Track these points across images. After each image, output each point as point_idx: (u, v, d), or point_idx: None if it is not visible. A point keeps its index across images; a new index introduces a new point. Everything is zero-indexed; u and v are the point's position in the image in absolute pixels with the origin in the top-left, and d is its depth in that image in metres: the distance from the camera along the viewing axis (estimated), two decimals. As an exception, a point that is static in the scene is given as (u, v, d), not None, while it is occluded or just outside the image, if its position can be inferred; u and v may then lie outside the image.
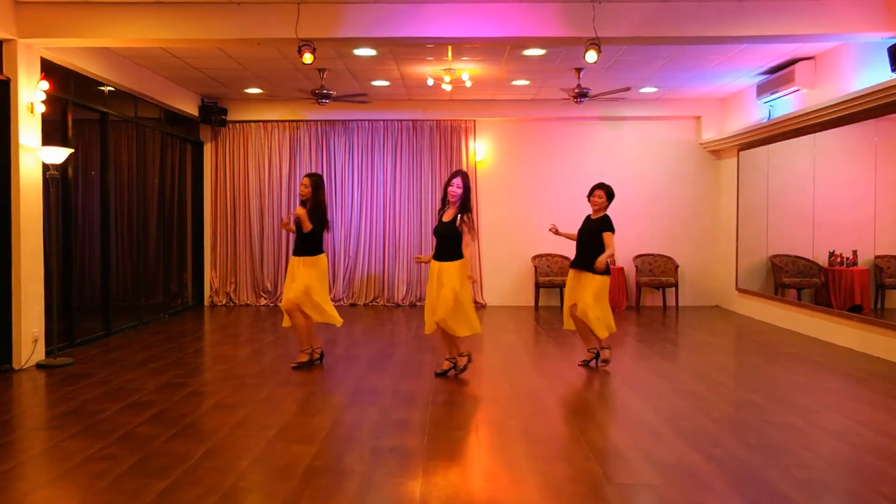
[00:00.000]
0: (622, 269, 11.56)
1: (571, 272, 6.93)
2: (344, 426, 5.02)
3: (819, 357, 7.54)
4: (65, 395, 5.84)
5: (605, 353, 6.88)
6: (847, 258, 8.27)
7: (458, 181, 6.32)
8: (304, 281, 6.73)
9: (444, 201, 6.44)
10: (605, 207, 6.85)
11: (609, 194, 6.86)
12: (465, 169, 11.71)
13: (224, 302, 11.72)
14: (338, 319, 6.95)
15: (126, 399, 5.65)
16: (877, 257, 7.70)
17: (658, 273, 11.55)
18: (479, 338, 8.69)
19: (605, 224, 6.76)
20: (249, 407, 5.48)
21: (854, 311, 8.07)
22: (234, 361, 7.25)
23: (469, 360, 6.59)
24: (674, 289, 11.51)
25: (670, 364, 7.35)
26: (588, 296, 6.66)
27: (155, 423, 5.01)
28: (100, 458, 4.27)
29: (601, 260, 6.60)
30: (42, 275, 7.08)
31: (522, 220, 11.80)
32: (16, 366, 6.80)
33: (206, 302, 11.80)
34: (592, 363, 6.97)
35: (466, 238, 6.28)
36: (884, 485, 3.93)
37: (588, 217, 6.97)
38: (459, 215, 6.28)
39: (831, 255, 8.50)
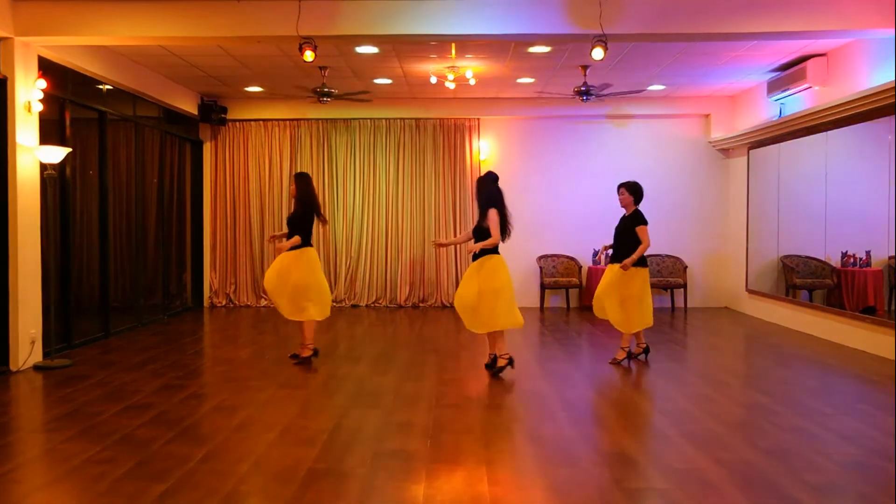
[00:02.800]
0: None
1: (608, 267, 7.26)
2: (346, 429, 4.95)
3: (831, 359, 7.46)
4: (63, 396, 5.79)
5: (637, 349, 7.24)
6: (860, 259, 8.16)
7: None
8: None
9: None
10: (633, 203, 7.12)
11: (630, 189, 7.13)
12: (468, 168, 11.64)
13: (224, 303, 11.65)
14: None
15: (125, 401, 5.59)
16: (891, 258, 7.58)
17: (666, 274, 11.43)
18: (483, 339, 8.60)
19: (637, 219, 7.03)
20: (250, 409, 5.42)
21: (867, 312, 7.96)
22: (234, 363, 7.20)
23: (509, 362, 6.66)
24: (682, 290, 11.41)
25: (679, 366, 7.26)
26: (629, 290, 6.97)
27: (154, 425, 4.96)
28: (98, 460, 4.24)
29: (630, 261, 6.88)
30: (39, 275, 7.02)
31: (527, 220, 11.63)
32: (13, 367, 6.74)
33: (206, 303, 11.72)
34: (642, 357, 7.30)
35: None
36: (900, 490, 3.83)
37: (623, 216, 7.25)
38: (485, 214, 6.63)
39: (844, 255, 8.38)
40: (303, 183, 7.22)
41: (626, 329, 7.02)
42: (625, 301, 6.96)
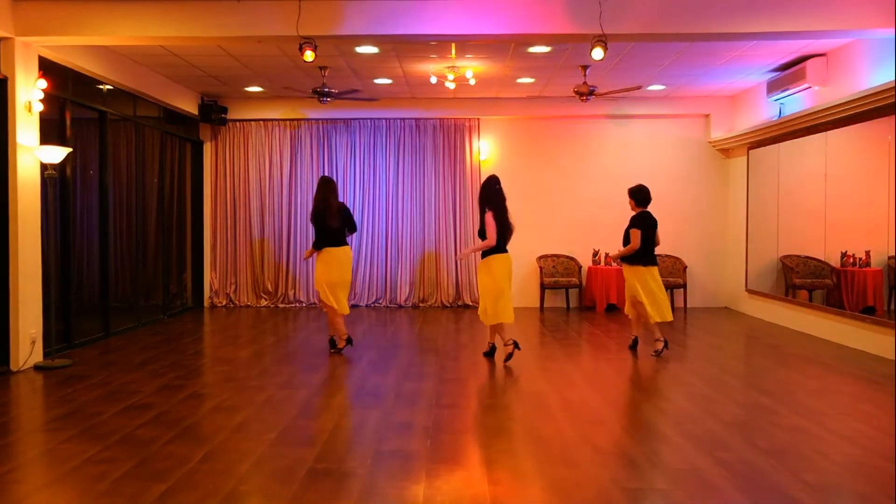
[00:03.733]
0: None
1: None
2: (346, 429, 4.96)
3: (831, 359, 7.44)
4: (63, 397, 5.78)
5: (657, 344, 7.47)
6: (860, 259, 8.14)
7: None
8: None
9: None
10: (634, 206, 7.59)
11: (630, 194, 7.65)
12: (468, 168, 11.62)
13: (224, 303, 11.63)
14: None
15: (125, 401, 5.59)
16: (890, 258, 7.56)
17: (666, 274, 11.39)
18: (481, 339, 8.61)
19: (630, 222, 7.53)
20: (250, 409, 5.41)
21: (867, 312, 7.94)
22: (235, 363, 7.18)
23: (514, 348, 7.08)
24: (682, 290, 11.39)
25: (679, 366, 7.24)
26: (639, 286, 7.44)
27: (154, 425, 4.95)
28: (98, 460, 4.23)
29: (614, 254, 7.67)
30: (40, 275, 7.01)
31: (527, 220, 11.61)
32: (13, 367, 6.73)
33: (206, 303, 11.71)
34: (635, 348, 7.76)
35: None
36: (900, 490, 3.83)
37: None
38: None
39: (843, 255, 8.37)
40: (317, 189, 7.62)
41: (655, 319, 7.39)
42: (647, 296, 7.34)
